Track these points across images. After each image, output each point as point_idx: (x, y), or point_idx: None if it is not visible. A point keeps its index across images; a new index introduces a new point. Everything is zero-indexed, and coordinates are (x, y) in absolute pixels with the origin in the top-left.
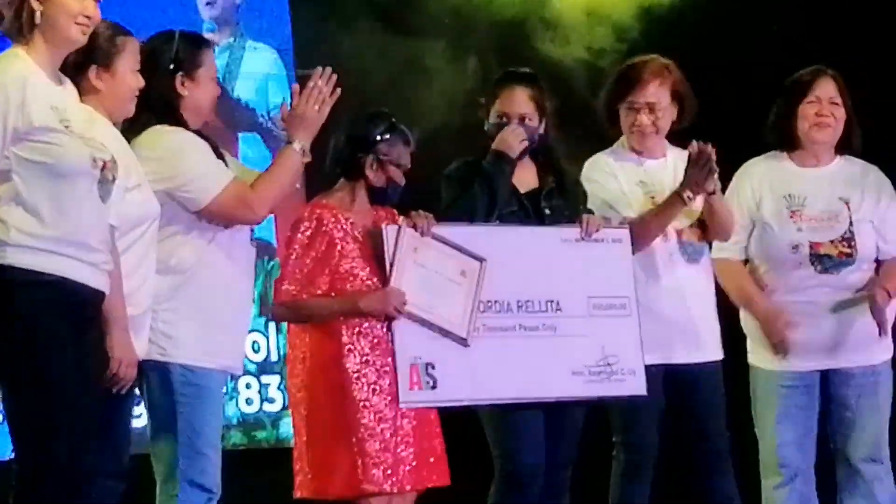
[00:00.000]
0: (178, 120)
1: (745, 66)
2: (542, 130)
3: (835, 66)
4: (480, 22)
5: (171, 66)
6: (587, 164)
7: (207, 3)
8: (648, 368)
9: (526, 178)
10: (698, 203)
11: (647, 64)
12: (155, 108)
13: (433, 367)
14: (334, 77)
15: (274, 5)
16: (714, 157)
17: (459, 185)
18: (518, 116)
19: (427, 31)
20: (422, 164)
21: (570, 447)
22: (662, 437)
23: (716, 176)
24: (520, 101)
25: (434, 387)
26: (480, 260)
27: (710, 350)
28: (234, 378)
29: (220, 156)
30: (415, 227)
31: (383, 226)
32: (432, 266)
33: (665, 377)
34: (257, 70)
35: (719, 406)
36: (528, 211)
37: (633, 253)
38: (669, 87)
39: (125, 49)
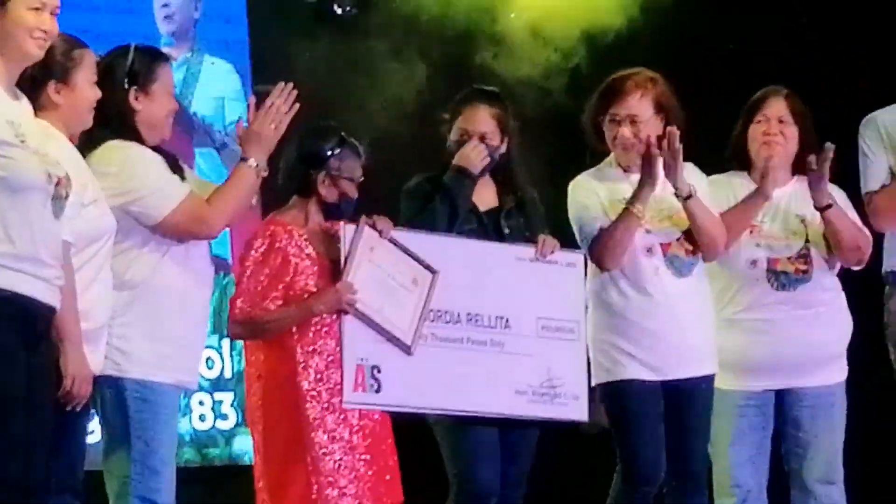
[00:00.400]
0: (133, 135)
1: (699, 85)
2: (503, 150)
3: (794, 84)
4: (433, 36)
5: (126, 81)
6: (570, 185)
7: (165, 18)
8: (644, 383)
9: (486, 196)
10: (684, 216)
11: (629, 76)
12: (110, 123)
13: (379, 371)
14: (294, 93)
15: (232, 21)
16: (678, 144)
17: (420, 201)
18: (479, 134)
19: (384, 48)
20: (377, 174)
21: (524, 466)
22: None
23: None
24: (481, 119)
25: (378, 390)
26: (433, 272)
27: (705, 364)
28: (189, 394)
29: (178, 170)
30: (374, 227)
31: (342, 224)
32: (386, 268)
33: (664, 391)
34: (214, 85)
35: (705, 425)
36: (488, 229)
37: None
38: (652, 99)
39: (82, 62)
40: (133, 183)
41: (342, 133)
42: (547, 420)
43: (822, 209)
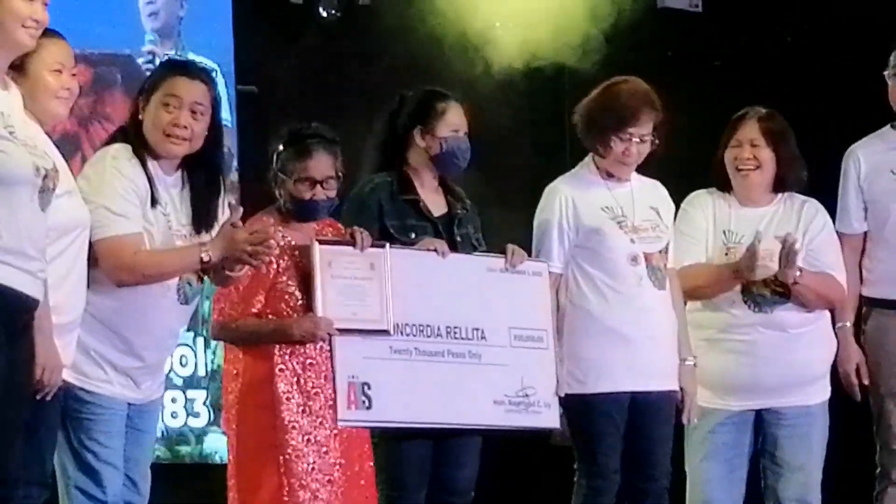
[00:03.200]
0: (137, 141)
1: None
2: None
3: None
4: (423, 42)
5: (140, 90)
6: (546, 190)
7: (150, 15)
8: (617, 394)
9: (437, 201)
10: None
11: (638, 94)
12: (125, 130)
13: (368, 387)
14: (275, 248)
15: (216, 19)
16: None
17: (358, 215)
18: (464, 130)
19: (370, 50)
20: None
21: (471, 472)
22: None
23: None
24: (463, 116)
25: (369, 407)
26: (382, 246)
27: (673, 379)
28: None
29: (154, 202)
30: (353, 240)
31: (311, 244)
32: (346, 273)
33: (630, 403)
34: None
35: (669, 439)
36: (442, 238)
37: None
38: (654, 119)
39: (39, 50)
40: (97, 193)
41: (296, 131)
42: (523, 429)
43: (791, 285)
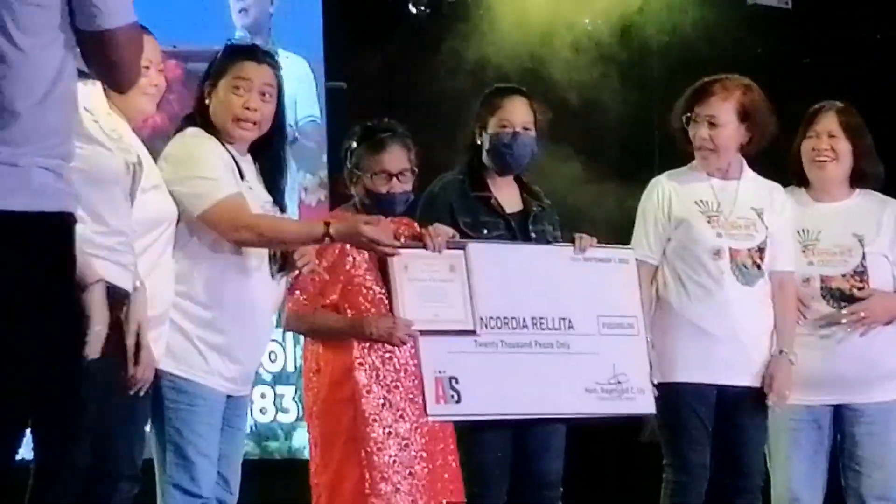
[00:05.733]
0: (205, 127)
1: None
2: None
3: (863, 98)
4: (507, 38)
5: (205, 76)
6: (650, 184)
7: (241, 11)
8: (698, 386)
9: (511, 198)
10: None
11: (719, 79)
12: (194, 115)
13: (457, 381)
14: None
15: (306, 15)
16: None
17: (429, 212)
18: (521, 125)
19: (459, 46)
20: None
21: (553, 468)
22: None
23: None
24: (520, 110)
25: (458, 401)
26: (462, 248)
27: (760, 377)
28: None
29: (241, 175)
30: (425, 244)
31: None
32: (425, 276)
33: (718, 399)
34: (287, 80)
35: (759, 435)
36: (516, 234)
37: None
38: (736, 105)
39: None
40: (189, 169)
41: (362, 129)
42: (617, 416)
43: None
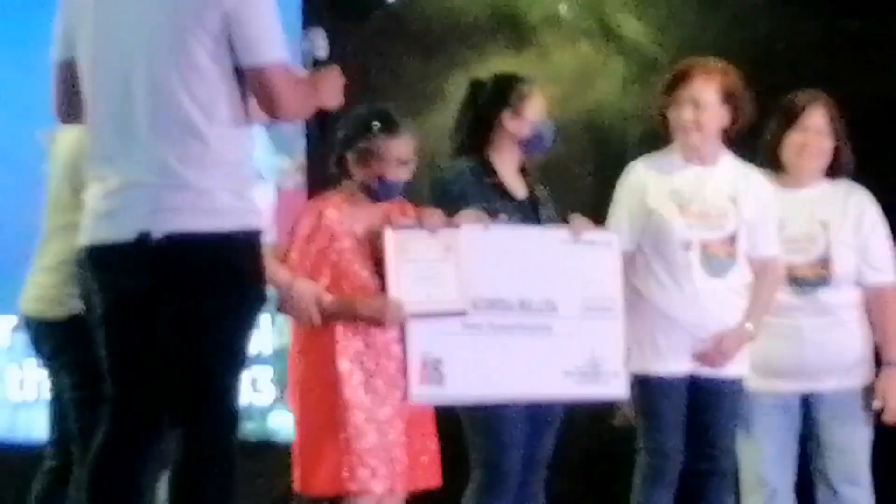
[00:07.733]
0: None
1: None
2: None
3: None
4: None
5: None
6: (626, 168)
7: None
8: (671, 374)
9: (518, 185)
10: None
11: (698, 62)
12: None
13: (441, 363)
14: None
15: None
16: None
17: (442, 200)
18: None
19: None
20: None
21: (548, 446)
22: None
23: None
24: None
25: (441, 383)
26: (457, 225)
27: (730, 367)
28: None
29: None
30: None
31: (383, 231)
32: (421, 257)
33: (689, 387)
34: None
35: (731, 425)
36: (526, 220)
37: None
38: (718, 87)
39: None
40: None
41: (379, 113)
42: (593, 399)
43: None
